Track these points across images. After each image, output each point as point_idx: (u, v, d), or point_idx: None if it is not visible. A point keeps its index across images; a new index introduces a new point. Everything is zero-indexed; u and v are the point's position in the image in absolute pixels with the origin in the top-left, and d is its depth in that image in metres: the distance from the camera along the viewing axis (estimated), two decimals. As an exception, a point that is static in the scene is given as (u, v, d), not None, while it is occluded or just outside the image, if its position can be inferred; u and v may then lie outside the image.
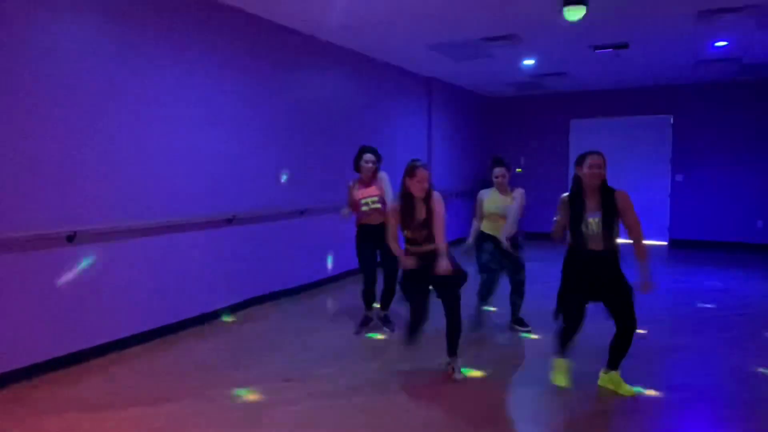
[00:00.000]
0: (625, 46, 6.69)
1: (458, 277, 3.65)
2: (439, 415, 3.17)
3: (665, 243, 10.01)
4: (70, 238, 3.83)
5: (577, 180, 3.36)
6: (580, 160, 3.34)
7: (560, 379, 3.53)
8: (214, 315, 5.07)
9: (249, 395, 3.42)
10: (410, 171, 3.58)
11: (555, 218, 3.50)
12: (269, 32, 5.57)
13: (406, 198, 3.61)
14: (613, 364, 3.47)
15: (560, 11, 5.03)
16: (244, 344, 4.42)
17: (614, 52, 6.89)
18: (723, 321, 5.03)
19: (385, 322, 4.78)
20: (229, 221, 5.16)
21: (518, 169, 11.05)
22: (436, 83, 9.07)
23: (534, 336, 4.58)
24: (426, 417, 3.15)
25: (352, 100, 7.00)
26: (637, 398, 3.37)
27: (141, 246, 4.36)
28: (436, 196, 3.64)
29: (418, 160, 3.66)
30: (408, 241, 3.66)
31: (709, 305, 5.59)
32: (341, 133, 6.58)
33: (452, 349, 3.74)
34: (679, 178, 9.86)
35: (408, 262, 3.62)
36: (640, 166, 10.15)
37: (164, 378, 3.71)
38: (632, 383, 3.58)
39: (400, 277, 3.81)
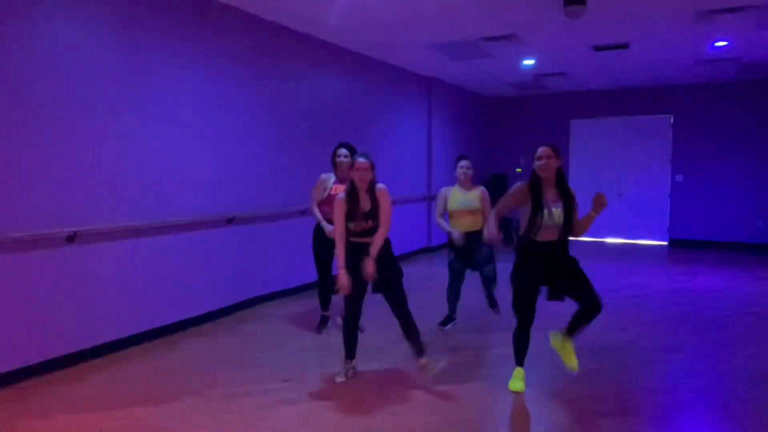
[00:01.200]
0: (625, 46, 6.69)
1: (396, 273, 3.65)
2: (439, 415, 3.17)
3: (665, 243, 10.02)
4: (70, 238, 3.83)
5: (534, 172, 3.39)
6: (532, 155, 3.41)
7: (516, 385, 3.50)
8: (214, 315, 5.07)
9: (249, 395, 3.43)
10: (352, 162, 3.63)
11: (499, 207, 3.45)
12: (269, 32, 5.57)
13: (352, 189, 3.63)
14: (570, 331, 3.47)
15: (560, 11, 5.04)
16: (244, 344, 4.42)
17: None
18: (723, 321, 5.03)
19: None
20: (229, 221, 5.17)
21: (518, 169, 11.06)
22: (436, 83, 9.07)
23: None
24: (426, 417, 3.15)
25: (352, 100, 7.00)
26: (636, 398, 3.38)
27: (141, 246, 4.36)
28: (381, 187, 3.63)
29: (364, 153, 3.64)
30: (352, 233, 3.62)
31: (709, 305, 5.59)
32: (341, 133, 6.57)
33: (417, 350, 3.68)
34: (678, 178, 9.86)
35: (342, 284, 3.54)
36: (640, 166, 10.16)
37: (164, 378, 3.71)
38: (631, 382, 3.60)
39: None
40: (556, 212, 3.30)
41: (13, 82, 3.51)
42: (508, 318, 4.93)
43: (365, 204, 3.60)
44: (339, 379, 3.68)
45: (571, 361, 3.47)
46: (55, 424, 3.05)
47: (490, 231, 3.41)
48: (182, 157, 4.68)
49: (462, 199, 4.59)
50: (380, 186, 3.64)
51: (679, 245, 9.77)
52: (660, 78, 9.09)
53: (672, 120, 9.86)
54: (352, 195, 3.60)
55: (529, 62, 7.73)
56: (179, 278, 4.71)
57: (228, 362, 4.01)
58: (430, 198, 9.05)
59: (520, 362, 3.58)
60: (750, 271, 7.41)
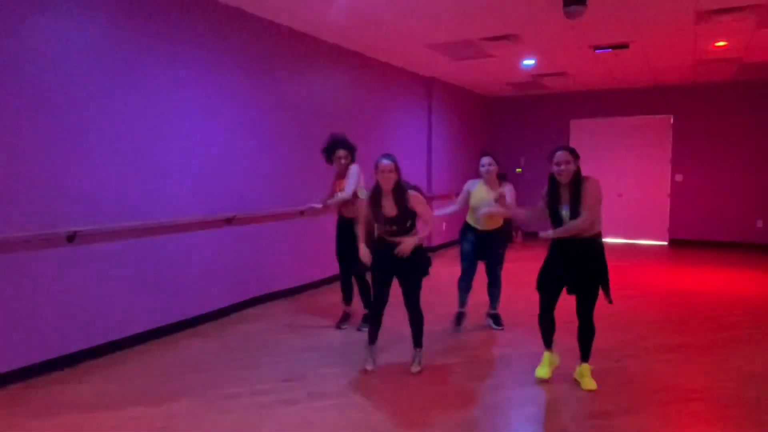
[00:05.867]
0: (625, 46, 6.69)
1: (421, 266, 3.69)
2: (439, 414, 3.17)
3: (665, 243, 10.01)
4: (70, 238, 3.83)
5: (552, 176, 3.48)
6: (550, 157, 3.45)
7: (542, 372, 3.63)
8: (214, 315, 5.07)
9: (248, 395, 3.43)
10: (376, 163, 3.61)
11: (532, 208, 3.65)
12: (269, 32, 5.57)
13: (375, 192, 3.62)
14: (582, 356, 3.62)
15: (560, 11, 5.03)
16: (244, 344, 4.42)
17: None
18: (723, 321, 5.02)
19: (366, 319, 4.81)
20: (229, 221, 5.16)
21: (518, 169, 11.06)
22: (436, 83, 9.07)
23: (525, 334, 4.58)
24: (427, 416, 3.15)
25: (352, 100, 7.00)
26: (636, 398, 3.38)
27: (141, 246, 4.36)
28: (413, 195, 3.63)
29: (388, 155, 3.67)
30: (380, 232, 3.68)
31: (709, 305, 5.59)
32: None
33: (417, 340, 3.82)
34: (679, 178, 9.86)
35: (365, 258, 3.69)
36: (640, 166, 10.16)
37: (164, 378, 3.71)
38: (631, 382, 3.60)
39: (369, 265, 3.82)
40: (565, 213, 3.42)
41: (11, 82, 3.51)
42: (508, 319, 4.94)
43: (390, 209, 3.58)
44: (369, 367, 3.78)
45: (586, 385, 3.53)
46: (55, 424, 3.05)
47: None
48: (182, 157, 4.68)
49: (486, 198, 4.45)
50: (412, 193, 3.63)
51: (679, 245, 9.77)
52: (660, 78, 9.08)
53: (672, 120, 9.86)
54: (375, 198, 3.59)
55: (529, 62, 7.73)
56: (179, 278, 4.71)
57: (228, 362, 4.01)
58: (431, 198, 9.04)
59: (546, 344, 3.70)
60: (750, 271, 7.41)
